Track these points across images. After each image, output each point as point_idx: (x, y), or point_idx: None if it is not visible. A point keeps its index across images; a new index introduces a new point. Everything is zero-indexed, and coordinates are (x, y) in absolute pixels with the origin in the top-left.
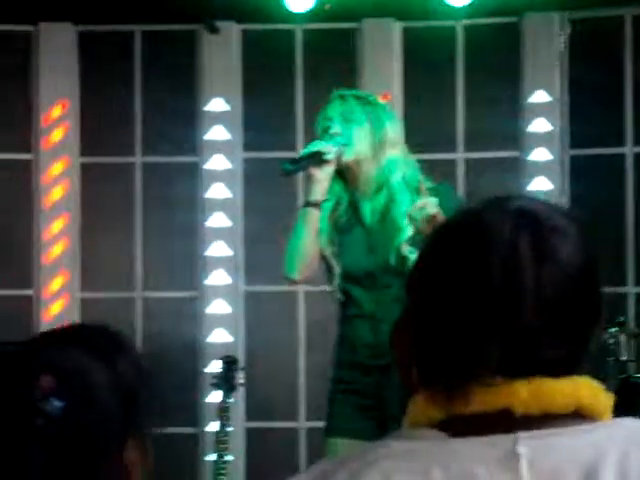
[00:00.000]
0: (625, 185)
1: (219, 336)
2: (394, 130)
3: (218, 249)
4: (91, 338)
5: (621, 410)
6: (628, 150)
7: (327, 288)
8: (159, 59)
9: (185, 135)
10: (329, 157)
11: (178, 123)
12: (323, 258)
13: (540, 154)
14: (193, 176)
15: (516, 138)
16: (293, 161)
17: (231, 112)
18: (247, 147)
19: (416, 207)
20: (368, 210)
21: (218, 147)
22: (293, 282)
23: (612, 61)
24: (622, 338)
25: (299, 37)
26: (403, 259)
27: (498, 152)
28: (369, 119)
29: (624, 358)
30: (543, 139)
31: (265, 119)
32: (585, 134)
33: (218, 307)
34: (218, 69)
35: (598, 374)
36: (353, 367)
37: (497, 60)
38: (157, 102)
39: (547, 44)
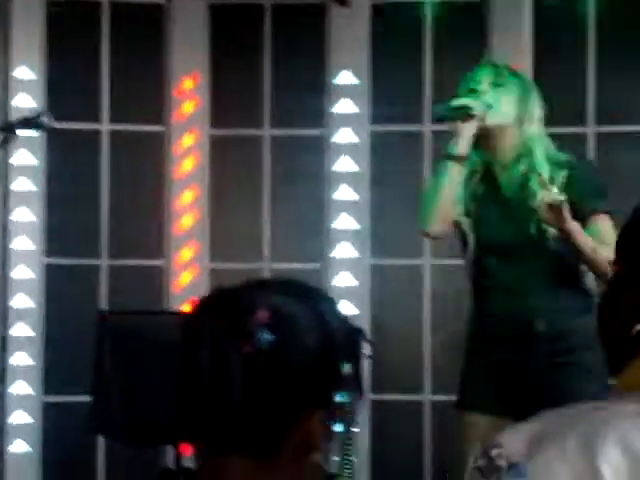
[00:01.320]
0: None
1: (344, 308)
2: (538, 106)
3: (344, 222)
4: (309, 295)
5: None
6: None
7: (453, 261)
8: (288, 32)
9: (313, 108)
10: (475, 112)
11: (306, 96)
12: (458, 228)
13: None
14: (321, 149)
15: None
16: (443, 108)
17: (359, 85)
18: (374, 120)
19: (540, 199)
20: (506, 180)
21: (346, 120)
22: (427, 235)
23: None
24: None
25: (428, 10)
26: (542, 231)
27: (627, 126)
28: (518, 89)
29: None
30: None
31: (393, 93)
32: None
33: (344, 279)
34: (347, 42)
35: None
36: (487, 340)
37: (627, 34)
38: (286, 75)
39: None
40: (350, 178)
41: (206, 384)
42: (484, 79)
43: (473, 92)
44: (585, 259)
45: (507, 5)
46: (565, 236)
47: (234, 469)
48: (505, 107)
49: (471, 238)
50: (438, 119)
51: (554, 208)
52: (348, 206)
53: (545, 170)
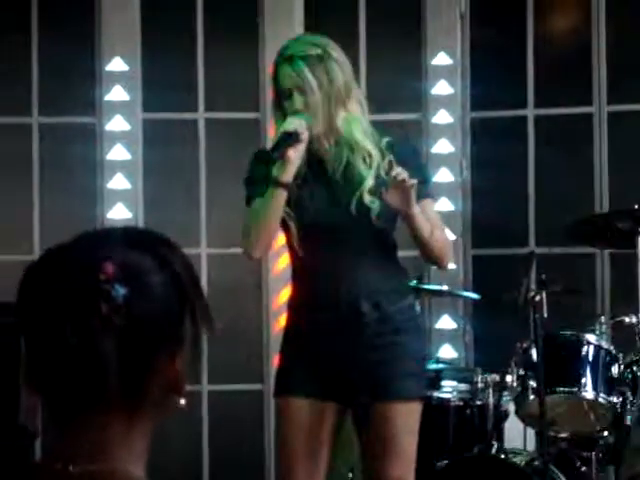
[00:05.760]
0: None
1: None
2: (344, 78)
3: (119, 212)
4: (145, 239)
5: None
6: None
7: (230, 250)
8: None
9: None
10: (303, 137)
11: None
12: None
13: None
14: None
15: None
16: (273, 147)
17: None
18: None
19: (390, 176)
20: (330, 160)
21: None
22: (250, 259)
23: None
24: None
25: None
26: (366, 210)
27: None
28: (319, 82)
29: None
30: None
31: (165, 79)
32: None
33: None
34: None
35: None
36: (310, 324)
37: None
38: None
39: None
40: (123, 166)
41: (76, 356)
42: (290, 86)
43: (285, 105)
44: (421, 242)
45: None
46: (408, 219)
47: (107, 422)
48: (319, 112)
49: (292, 221)
50: (275, 156)
51: (402, 190)
52: (122, 195)
53: (368, 147)
